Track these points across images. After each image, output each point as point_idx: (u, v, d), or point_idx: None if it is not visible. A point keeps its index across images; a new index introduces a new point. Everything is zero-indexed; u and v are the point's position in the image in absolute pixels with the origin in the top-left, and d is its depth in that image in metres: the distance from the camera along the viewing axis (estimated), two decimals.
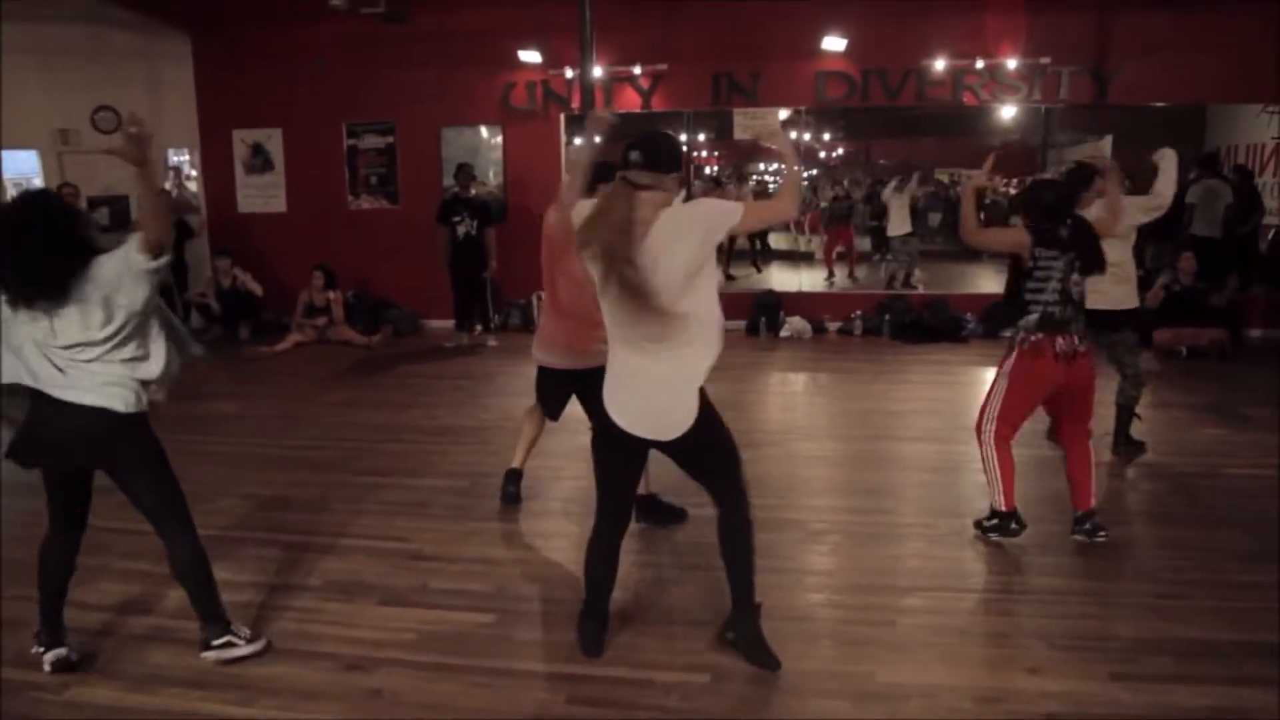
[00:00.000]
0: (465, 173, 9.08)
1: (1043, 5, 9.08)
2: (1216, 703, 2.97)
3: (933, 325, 9.57)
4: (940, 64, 9.28)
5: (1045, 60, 9.17)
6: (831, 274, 13.06)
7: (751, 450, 5.83)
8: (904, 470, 5.46)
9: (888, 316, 9.74)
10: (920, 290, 11.12)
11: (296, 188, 10.39)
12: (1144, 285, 9.32)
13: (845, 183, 14.94)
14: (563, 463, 5.61)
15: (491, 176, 10.27)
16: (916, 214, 17.35)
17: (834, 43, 9.30)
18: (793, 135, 14.35)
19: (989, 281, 12.27)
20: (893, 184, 12.70)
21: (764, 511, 4.74)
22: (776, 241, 14.82)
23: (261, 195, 10.60)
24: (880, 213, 16.62)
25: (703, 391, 3.01)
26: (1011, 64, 9.20)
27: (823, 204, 15.26)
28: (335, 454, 5.78)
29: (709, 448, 3.11)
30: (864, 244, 14.55)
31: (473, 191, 9.21)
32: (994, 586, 3.88)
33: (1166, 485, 5.09)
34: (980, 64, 9.24)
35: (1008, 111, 10.75)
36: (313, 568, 4.08)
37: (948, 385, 7.86)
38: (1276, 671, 3.16)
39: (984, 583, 3.93)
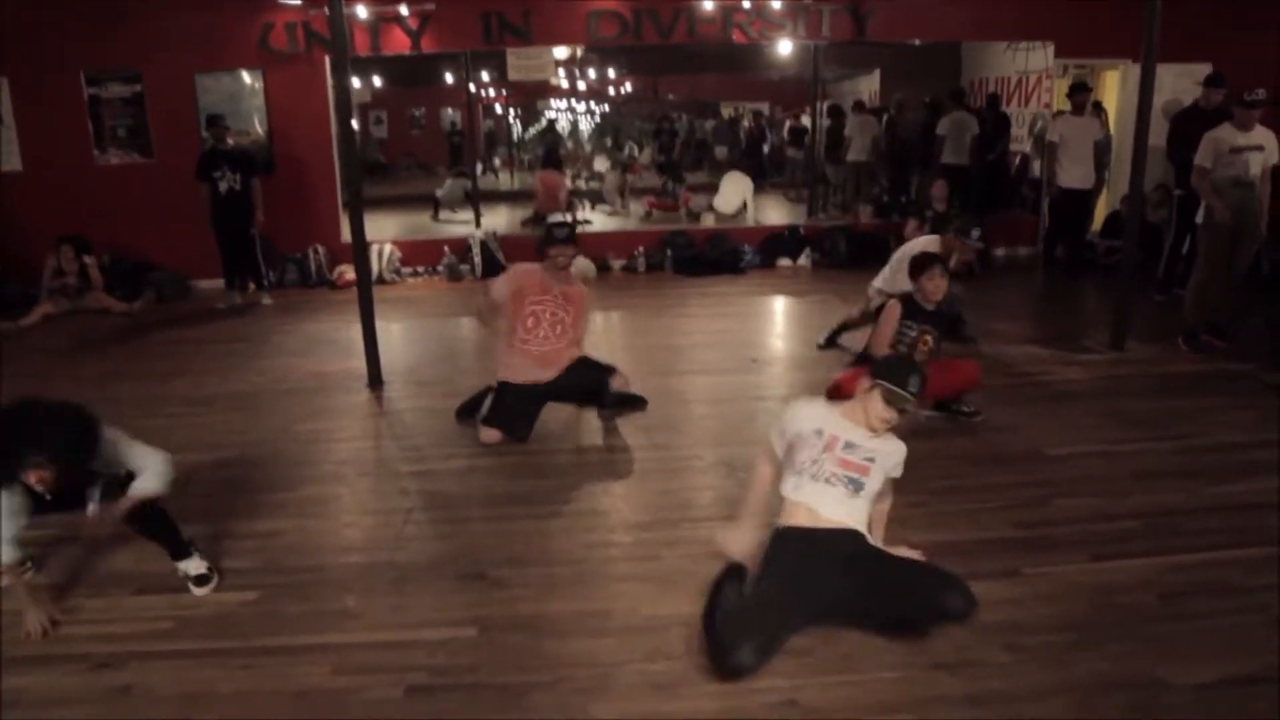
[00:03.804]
0: (219, 125, 8.46)
1: None
2: None
3: (714, 258, 9.87)
4: (709, 3, 9.42)
5: None
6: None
7: None
8: (684, 404, 5.59)
9: (670, 251, 9.94)
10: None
11: (33, 144, 9.29)
12: (907, 213, 10.02)
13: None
14: (340, 422, 5.46)
15: (257, 124, 9.63)
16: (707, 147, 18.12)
17: None
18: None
19: (766, 214, 12.76)
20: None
21: (551, 456, 4.84)
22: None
23: None
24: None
25: None
26: (776, 3, 9.45)
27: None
28: None
29: None
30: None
31: (230, 143, 8.62)
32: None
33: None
34: (747, 3, 9.44)
35: (784, 47, 11.08)
36: (59, 565, 3.76)
37: (728, 316, 8.14)
38: (1005, 564, 3.53)
39: None
